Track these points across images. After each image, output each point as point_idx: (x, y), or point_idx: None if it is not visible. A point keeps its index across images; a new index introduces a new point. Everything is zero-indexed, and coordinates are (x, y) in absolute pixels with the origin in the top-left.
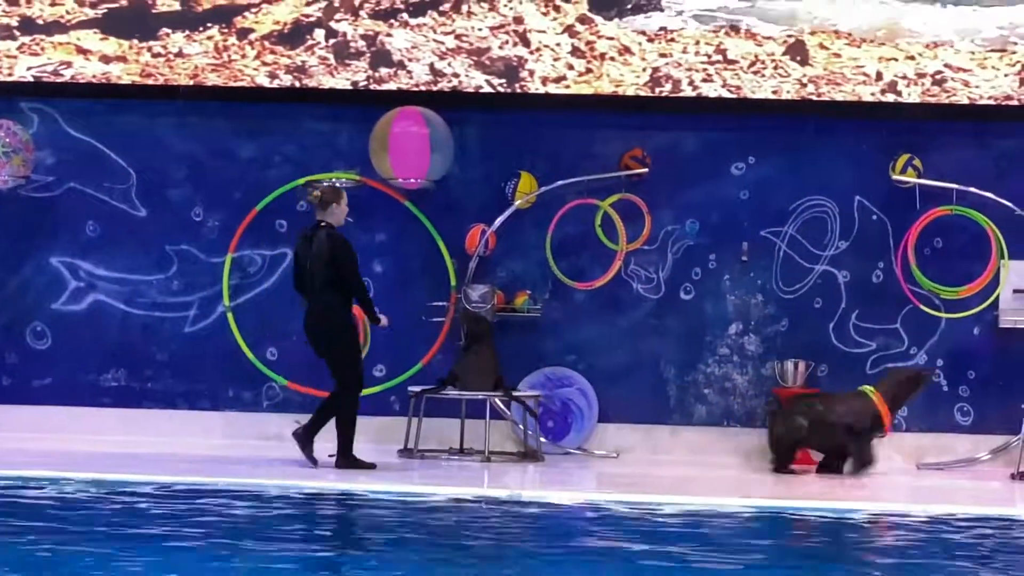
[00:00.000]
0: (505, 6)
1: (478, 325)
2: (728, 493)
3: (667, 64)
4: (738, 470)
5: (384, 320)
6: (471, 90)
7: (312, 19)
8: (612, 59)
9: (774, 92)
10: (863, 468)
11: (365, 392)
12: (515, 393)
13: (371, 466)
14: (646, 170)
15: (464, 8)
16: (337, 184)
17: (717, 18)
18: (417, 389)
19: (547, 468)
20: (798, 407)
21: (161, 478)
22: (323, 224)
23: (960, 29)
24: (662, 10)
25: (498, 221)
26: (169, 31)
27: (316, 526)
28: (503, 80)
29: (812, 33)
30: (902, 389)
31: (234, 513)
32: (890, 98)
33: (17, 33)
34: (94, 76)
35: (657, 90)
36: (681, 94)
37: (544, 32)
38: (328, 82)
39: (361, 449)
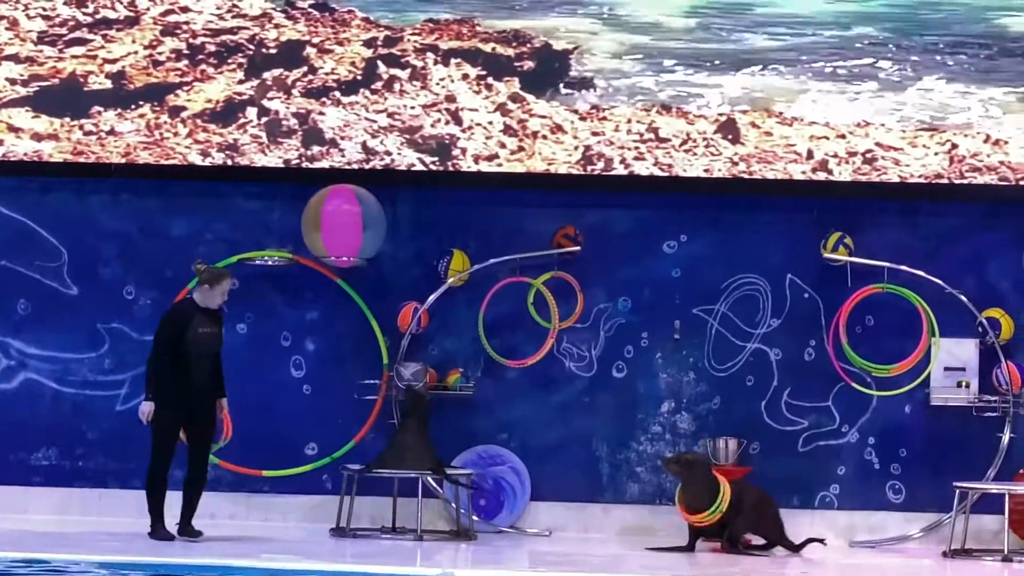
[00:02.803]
0: (437, 84)
1: (416, 402)
2: (659, 572)
3: (599, 142)
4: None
5: (144, 409)
6: (403, 168)
7: (244, 97)
8: (544, 137)
9: (706, 170)
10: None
11: (297, 471)
12: (449, 472)
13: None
14: (578, 248)
15: (396, 86)
16: (217, 269)
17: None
18: (354, 467)
19: (479, 547)
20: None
21: (92, 557)
22: (186, 299)
23: (889, 109)
24: (594, 88)
25: (431, 299)
26: (101, 109)
27: None
28: (435, 158)
29: (744, 112)
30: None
31: None
32: (821, 176)
33: None
34: (25, 154)
35: (589, 168)
36: (613, 172)
37: (476, 110)
38: (260, 160)
39: (291, 528)
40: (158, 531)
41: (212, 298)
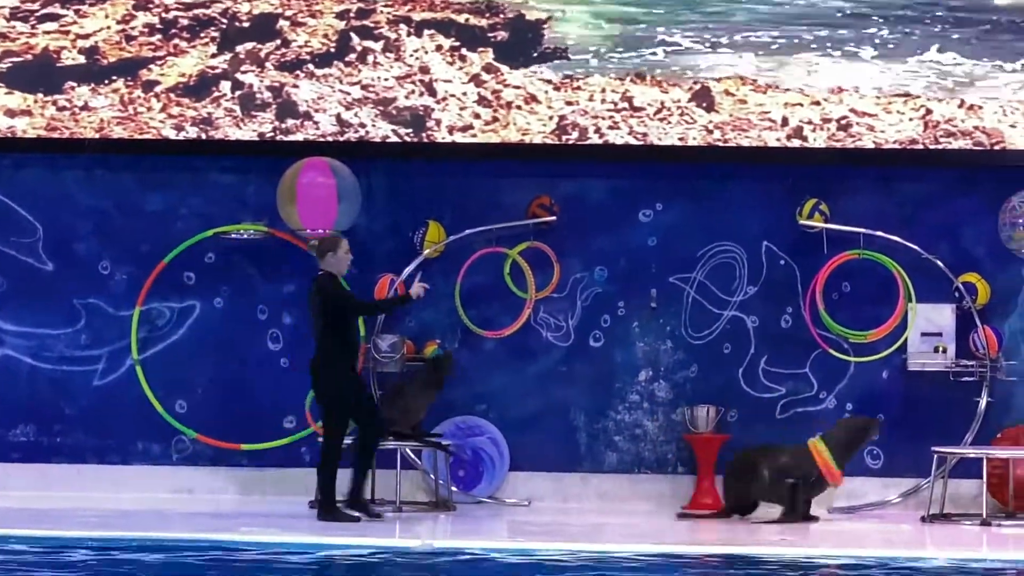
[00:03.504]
0: (411, 56)
1: (439, 367)
2: (639, 539)
3: (573, 112)
4: (649, 516)
5: (415, 289)
6: (378, 140)
7: (218, 71)
8: (519, 108)
9: (680, 139)
10: (791, 520)
11: (275, 444)
12: (429, 438)
13: (355, 519)
14: (554, 218)
15: (370, 58)
16: (329, 236)
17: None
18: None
19: (459, 517)
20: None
21: (71, 533)
22: (320, 272)
23: (867, 76)
24: (568, 58)
25: (407, 271)
26: (74, 84)
27: None
28: (410, 130)
29: (718, 80)
30: (852, 438)
31: (146, 566)
32: (796, 143)
33: None
34: None
35: (564, 138)
36: (588, 142)
37: (450, 81)
38: (235, 134)
39: (270, 501)
40: (341, 511)
41: (343, 263)
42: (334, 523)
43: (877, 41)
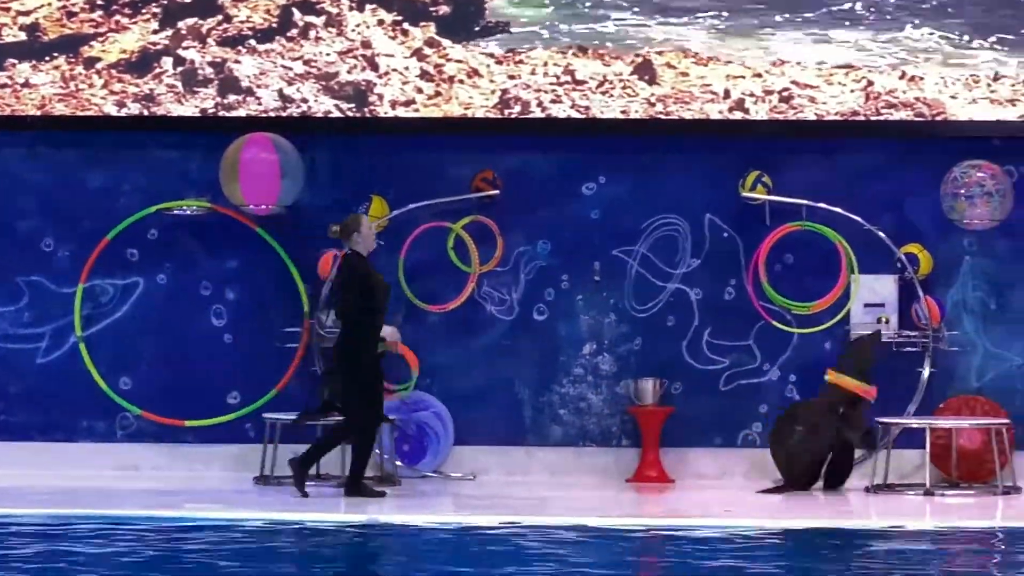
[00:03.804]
0: (353, 31)
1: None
2: (584, 512)
3: (516, 86)
4: (594, 489)
5: (389, 332)
6: (320, 115)
7: (159, 47)
8: (461, 82)
9: (623, 112)
10: (866, 438)
11: (219, 420)
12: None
13: (381, 494)
14: (497, 192)
15: (312, 33)
16: (351, 215)
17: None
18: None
19: (404, 492)
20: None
21: (15, 511)
22: (347, 252)
23: (805, 47)
24: (510, 32)
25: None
26: (15, 61)
27: (167, 558)
28: (352, 105)
29: (659, 53)
30: (860, 356)
31: (90, 542)
32: (738, 116)
33: None
34: None
35: (507, 112)
36: (531, 115)
37: (392, 56)
38: (177, 110)
39: (215, 477)
40: (369, 487)
41: (369, 239)
42: (363, 498)
43: (820, 12)
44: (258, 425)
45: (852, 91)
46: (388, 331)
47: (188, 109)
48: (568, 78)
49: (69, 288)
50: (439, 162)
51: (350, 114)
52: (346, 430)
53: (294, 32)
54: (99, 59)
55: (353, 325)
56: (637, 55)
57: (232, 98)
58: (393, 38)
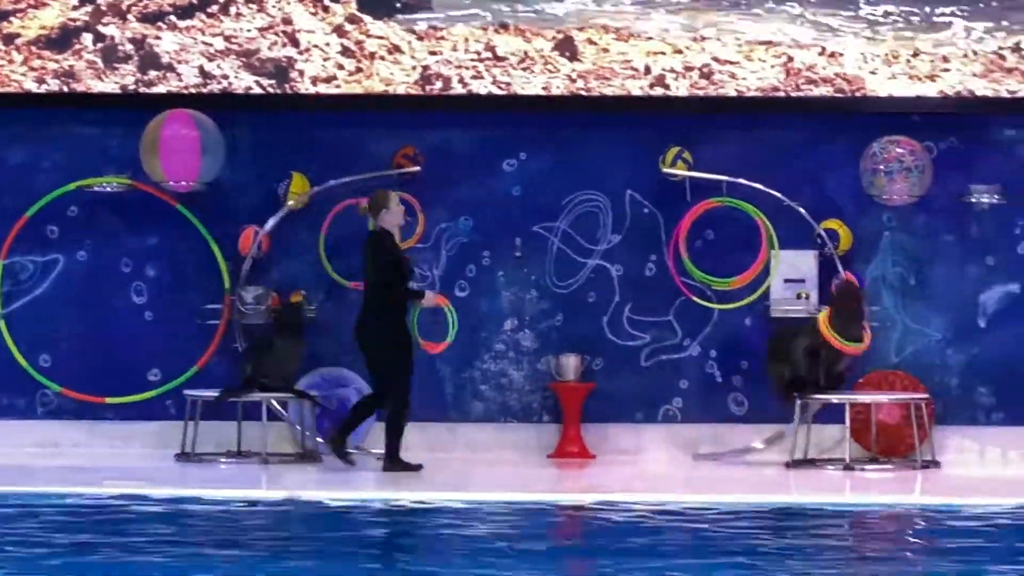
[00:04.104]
0: (274, 7)
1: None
2: (506, 488)
3: (437, 62)
4: (515, 465)
5: (428, 297)
6: (241, 92)
7: (79, 23)
8: (382, 58)
9: (544, 88)
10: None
11: (140, 397)
12: (312, 393)
13: (418, 467)
14: (418, 168)
15: (232, 10)
16: (376, 191)
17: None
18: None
19: (325, 469)
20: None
21: None
22: (377, 230)
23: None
24: (431, 8)
25: (271, 222)
26: None
27: (85, 533)
28: (273, 81)
29: (580, 29)
30: (842, 305)
31: (9, 519)
32: (659, 92)
33: None
34: None
35: (428, 88)
36: (452, 92)
37: (313, 32)
38: (97, 86)
39: (137, 454)
40: (406, 462)
41: (397, 215)
42: (400, 472)
43: None
44: (179, 402)
45: (772, 67)
46: (429, 296)
47: (108, 85)
48: (489, 54)
49: None
50: (360, 138)
51: (271, 91)
52: (376, 401)
53: (215, 8)
54: (18, 35)
55: (385, 299)
56: (559, 31)
57: (152, 74)
58: (314, 14)
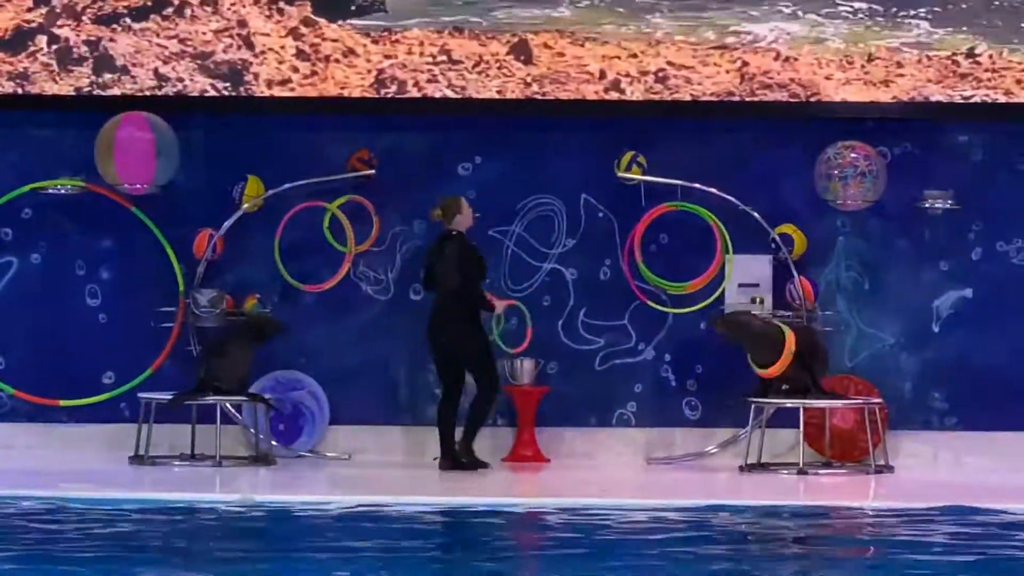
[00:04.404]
0: (229, 9)
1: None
2: (459, 492)
3: (392, 65)
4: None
5: (498, 306)
6: (196, 94)
7: (34, 24)
8: (337, 61)
9: (499, 92)
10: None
11: (94, 400)
12: (267, 396)
13: (485, 465)
14: (373, 172)
15: (187, 12)
16: (449, 197)
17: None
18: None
19: (279, 471)
20: None
21: None
22: (454, 232)
23: (680, 27)
24: (386, 12)
25: (225, 225)
26: None
27: (40, 538)
28: (228, 84)
29: (535, 33)
30: (807, 354)
31: None
32: (614, 96)
33: None
34: None
35: (383, 92)
36: (407, 95)
37: (268, 35)
38: (51, 88)
39: (91, 457)
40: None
41: (469, 218)
42: (467, 470)
43: None
44: (133, 405)
45: (727, 71)
46: (499, 304)
47: (63, 88)
48: (444, 58)
49: None
50: (315, 142)
51: (226, 93)
52: (487, 397)
53: (169, 11)
54: None
55: (469, 297)
56: (513, 35)
57: (107, 76)
58: (269, 17)
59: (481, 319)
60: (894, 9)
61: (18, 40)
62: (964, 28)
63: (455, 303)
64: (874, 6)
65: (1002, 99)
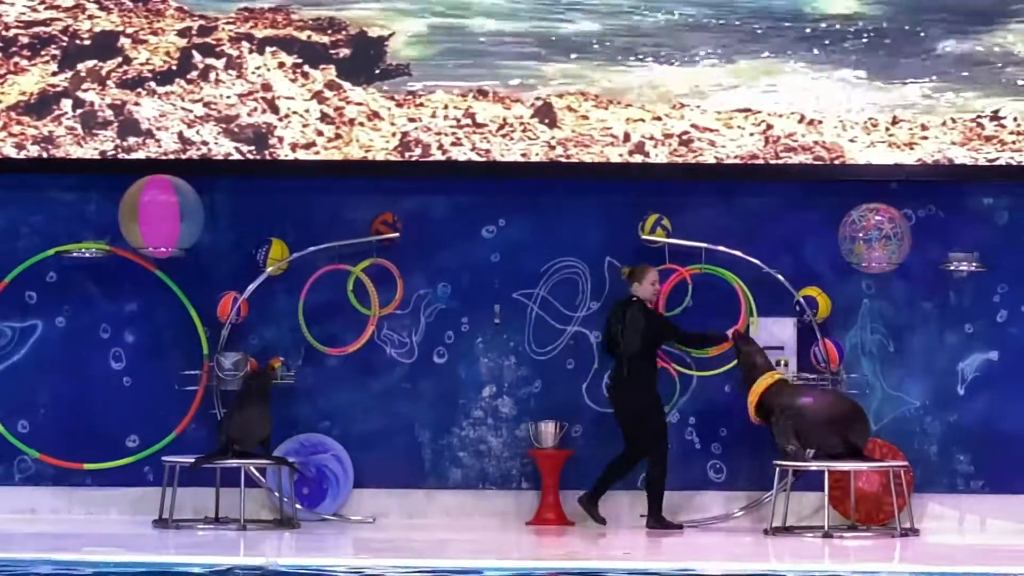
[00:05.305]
0: (253, 73)
1: (260, 379)
2: (484, 555)
3: (416, 128)
4: (494, 532)
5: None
6: (220, 157)
7: (59, 89)
8: (361, 124)
9: (523, 155)
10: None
11: (118, 463)
12: (291, 460)
13: (679, 527)
14: (397, 235)
15: (212, 76)
16: (639, 266)
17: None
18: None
19: (303, 535)
20: None
21: None
22: (634, 299)
23: (705, 90)
24: (411, 75)
25: (250, 288)
26: None
27: None
28: (252, 147)
29: (560, 96)
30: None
31: None
32: (638, 159)
33: None
34: None
35: (407, 155)
36: (431, 158)
37: (293, 99)
38: (76, 152)
39: (115, 520)
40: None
41: (648, 290)
42: (663, 530)
43: (720, 55)
44: (157, 468)
45: (752, 134)
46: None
47: (88, 151)
48: (468, 121)
49: None
50: (339, 205)
51: (250, 156)
52: (631, 461)
53: (194, 74)
54: None
55: (644, 364)
56: (537, 98)
57: (132, 140)
58: (293, 80)
59: (657, 387)
60: (920, 72)
61: (43, 104)
62: (988, 91)
63: (633, 367)
64: (897, 69)
65: None
